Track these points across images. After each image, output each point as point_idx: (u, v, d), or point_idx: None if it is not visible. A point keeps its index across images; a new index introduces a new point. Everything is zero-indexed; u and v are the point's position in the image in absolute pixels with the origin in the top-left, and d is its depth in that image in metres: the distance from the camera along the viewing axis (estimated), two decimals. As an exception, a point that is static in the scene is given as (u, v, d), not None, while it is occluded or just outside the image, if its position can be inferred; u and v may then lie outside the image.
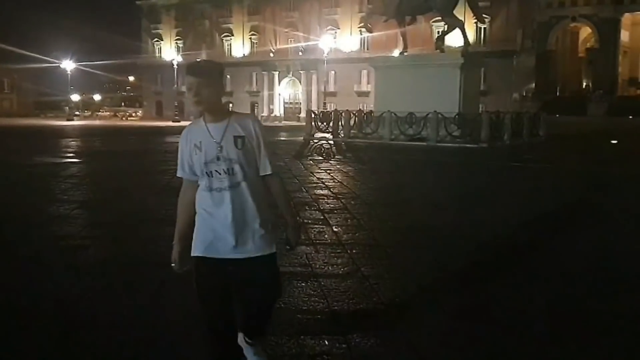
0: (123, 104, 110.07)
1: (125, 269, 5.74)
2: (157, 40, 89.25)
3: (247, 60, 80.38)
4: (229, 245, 2.81)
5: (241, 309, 2.94)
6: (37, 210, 9.02)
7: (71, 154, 20.08)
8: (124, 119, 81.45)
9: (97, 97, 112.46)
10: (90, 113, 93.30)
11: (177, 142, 3.00)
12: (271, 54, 77.10)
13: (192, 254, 2.89)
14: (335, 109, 24.92)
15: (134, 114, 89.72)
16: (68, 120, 65.71)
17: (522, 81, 64.86)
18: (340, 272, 5.71)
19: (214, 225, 2.81)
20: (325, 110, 28.09)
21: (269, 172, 2.88)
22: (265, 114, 78.00)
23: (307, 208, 9.33)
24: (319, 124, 23.32)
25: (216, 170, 2.80)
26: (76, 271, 5.65)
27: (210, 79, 2.76)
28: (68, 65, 75.43)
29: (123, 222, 8.21)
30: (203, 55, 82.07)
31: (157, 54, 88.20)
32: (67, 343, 3.96)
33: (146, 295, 4.89)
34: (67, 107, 75.21)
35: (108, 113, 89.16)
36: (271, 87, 79.60)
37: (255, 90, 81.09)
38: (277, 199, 2.98)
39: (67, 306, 4.63)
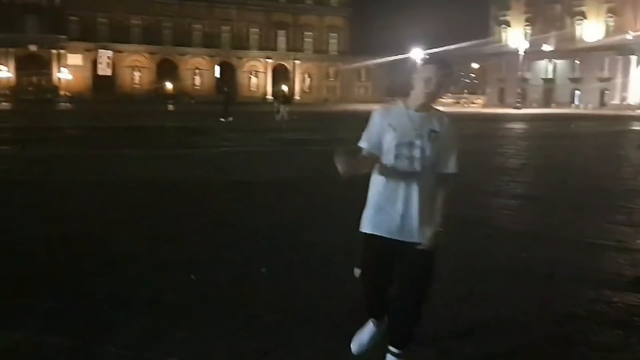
0: (466, 91, 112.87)
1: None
2: (504, 27, 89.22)
3: (599, 44, 74.87)
4: (398, 227, 2.95)
5: (396, 303, 3.11)
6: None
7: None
8: (465, 105, 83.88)
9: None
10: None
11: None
12: (629, 37, 70.32)
13: (361, 229, 3.08)
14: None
15: (475, 101, 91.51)
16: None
17: None
18: (657, 250, 5.98)
19: (388, 205, 2.96)
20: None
21: (449, 171, 2.98)
22: (616, 101, 71.80)
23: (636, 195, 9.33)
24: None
25: (404, 154, 2.91)
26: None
27: (450, 77, 2.93)
28: (416, 54, 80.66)
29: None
30: (552, 41, 79.30)
31: (503, 41, 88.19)
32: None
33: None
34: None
35: (451, 100, 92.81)
36: (626, 74, 72.71)
37: (606, 76, 75.09)
38: (438, 197, 3.00)
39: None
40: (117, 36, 77.92)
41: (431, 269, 3.02)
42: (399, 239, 2.95)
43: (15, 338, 3.62)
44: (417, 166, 2.90)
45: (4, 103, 50.85)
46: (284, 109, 30.81)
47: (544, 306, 4.32)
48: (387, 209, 2.95)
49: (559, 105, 75.52)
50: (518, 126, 29.70)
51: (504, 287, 4.72)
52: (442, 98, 2.85)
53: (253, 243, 5.94)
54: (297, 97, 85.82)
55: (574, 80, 79.95)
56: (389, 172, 2.93)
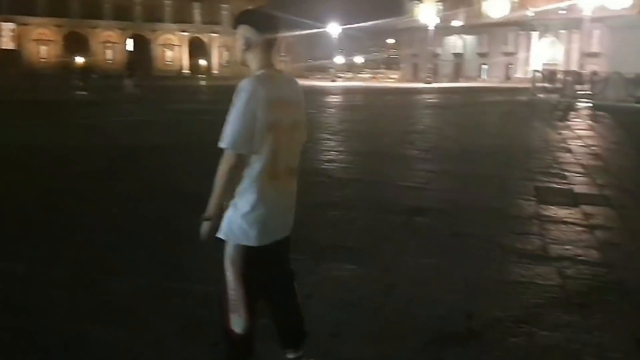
0: (382, 66, 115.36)
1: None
2: (417, 3, 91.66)
3: (504, 20, 78.59)
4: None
5: (283, 305, 2.75)
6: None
7: (331, 108, 23.92)
8: (381, 80, 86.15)
9: (358, 59, 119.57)
10: (351, 75, 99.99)
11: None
12: (529, 13, 74.20)
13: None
14: (566, 69, 24.67)
15: (391, 76, 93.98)
16: (332, 81, 71.87)
17: None
18: None
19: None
20: (551, 70, 27.68)
21: (222, 145, 2.42)
22: (520, 75, 75.82)
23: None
24: (546, 84, 23.38)
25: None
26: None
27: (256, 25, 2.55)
28: (334, 29, 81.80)
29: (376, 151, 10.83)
30: (461, 17, 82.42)
31: (415, 17, 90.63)
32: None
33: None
34: (332, 69, 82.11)
35: (368, 75, 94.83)
36: (528, 48, 76.85)
37: (511, 51, 79.08)
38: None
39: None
40: (21, 8, 74.63)
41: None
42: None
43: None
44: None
45: None
46: (128, 83, 30.33)
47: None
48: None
49: (468, 79, 78.78)
50: (407, 98, 32.20)
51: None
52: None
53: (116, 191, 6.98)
54: (215, 71, 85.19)
55: (481, 55, 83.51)
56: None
